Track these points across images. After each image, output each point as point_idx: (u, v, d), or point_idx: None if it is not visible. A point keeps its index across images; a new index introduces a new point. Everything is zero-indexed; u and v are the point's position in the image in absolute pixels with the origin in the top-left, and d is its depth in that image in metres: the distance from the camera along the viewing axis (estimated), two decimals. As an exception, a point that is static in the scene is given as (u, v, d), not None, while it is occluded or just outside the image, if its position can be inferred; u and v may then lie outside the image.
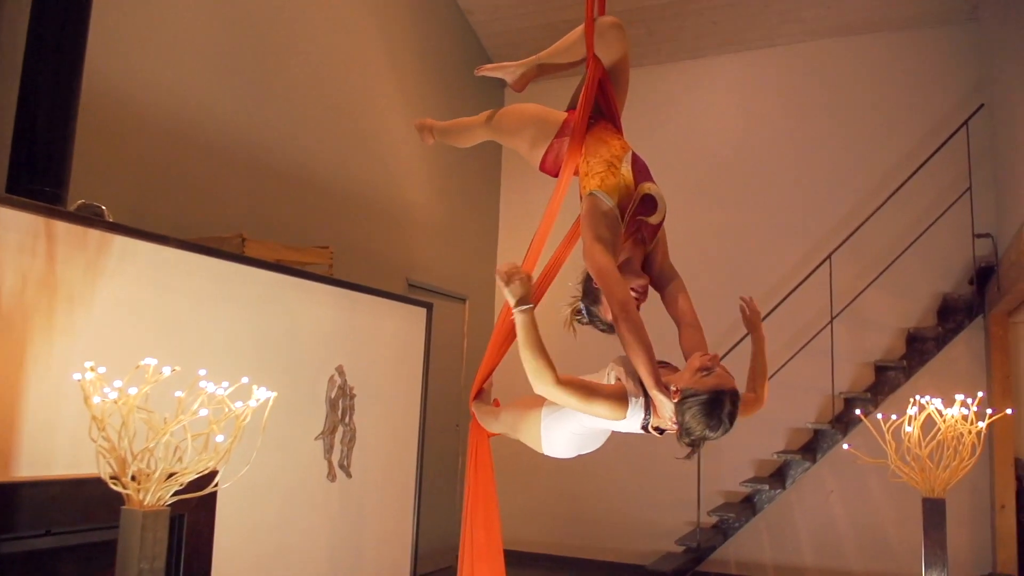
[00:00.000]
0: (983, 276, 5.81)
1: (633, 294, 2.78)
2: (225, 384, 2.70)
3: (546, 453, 2.82)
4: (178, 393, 2.61)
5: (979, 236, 5.77)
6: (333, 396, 4.24)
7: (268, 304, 3.94)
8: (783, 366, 6.29)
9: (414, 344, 5.03)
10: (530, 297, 2.42)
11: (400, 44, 6.46)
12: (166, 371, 2.50)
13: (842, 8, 6.63)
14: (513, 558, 6.58)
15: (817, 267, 6.25)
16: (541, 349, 2.40)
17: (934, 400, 3.92)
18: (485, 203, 7.79)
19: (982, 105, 5.85)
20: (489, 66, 3.66)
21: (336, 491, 4.28)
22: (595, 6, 3.50)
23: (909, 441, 3.78)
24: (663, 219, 2.91)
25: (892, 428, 3.92)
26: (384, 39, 6.27)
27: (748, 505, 6.40)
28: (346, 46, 5.83)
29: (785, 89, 6.99)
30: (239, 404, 2.72)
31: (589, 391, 2.45)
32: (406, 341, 4.97)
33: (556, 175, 3.18)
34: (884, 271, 6.14)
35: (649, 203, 2.89)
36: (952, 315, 6.10)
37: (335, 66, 5.68)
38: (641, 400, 2.51)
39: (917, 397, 4.00)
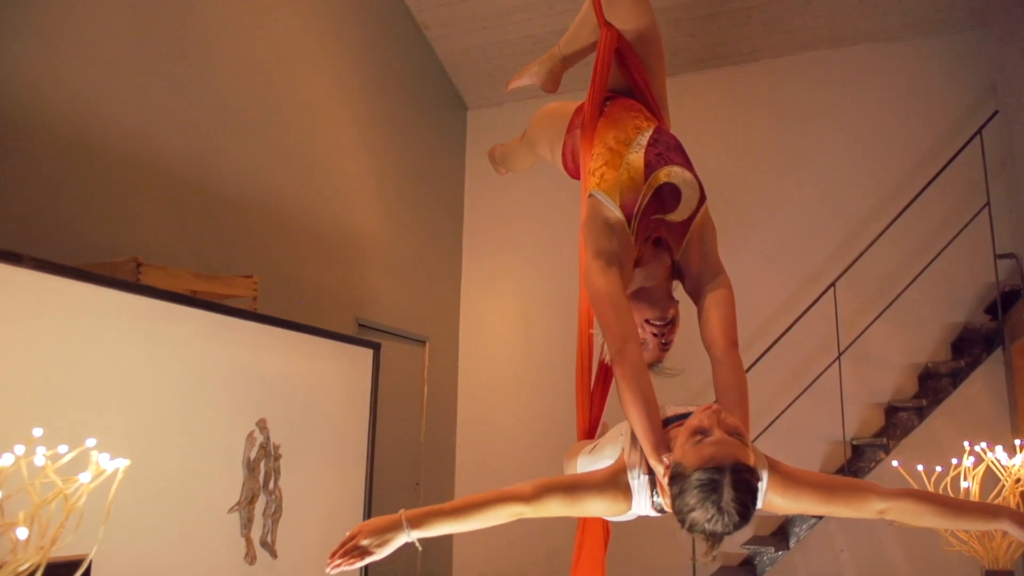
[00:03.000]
0: (1007, 301, 5.16)
1: (651, 330, 2.09)
2: (63, 448, 1.91)
3: None
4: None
5: (1001, 257, 5.12)
6: (253, 457, 3.43)
7: (167, 344, 3.15)
8: (784, 411, 5.57)
9: (358, 391, 4.24)
10: (405, 523, 1.74)
11: (350, 59, 5.76)
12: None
13: (830, 18, 6.06)
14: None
15: (820, 296, 5.56)
16: (483, 504, 1.78)
17: (986, 447, 3.23)
18: (446, 234, 7.05)
19: (996, 112, 5.26)
20: (514, 78, 3.03)
21: (258, 576, 3.45)
22: None
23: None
24: (695, 213, 2.17)
25: (940, 482, 3.21)
26: (332, 54, 5.55)
27: (748, 569, 5.62)
28: (290, 58, 5.10)
29: (772, 105, 6.38)
30: (86, 476, 1.93)
31: (572, 493, 1.80)
32: (349, 388, 4.19)
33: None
34: (895, 300, 5.47)
35: (672, 195, 2.17)
36: (968, 348, 5.44)
37: (276, 78, 4.94)
38: (645, 475, 1.79)
39: (967, 444, 3.30)
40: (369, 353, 4.34)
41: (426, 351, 6.45)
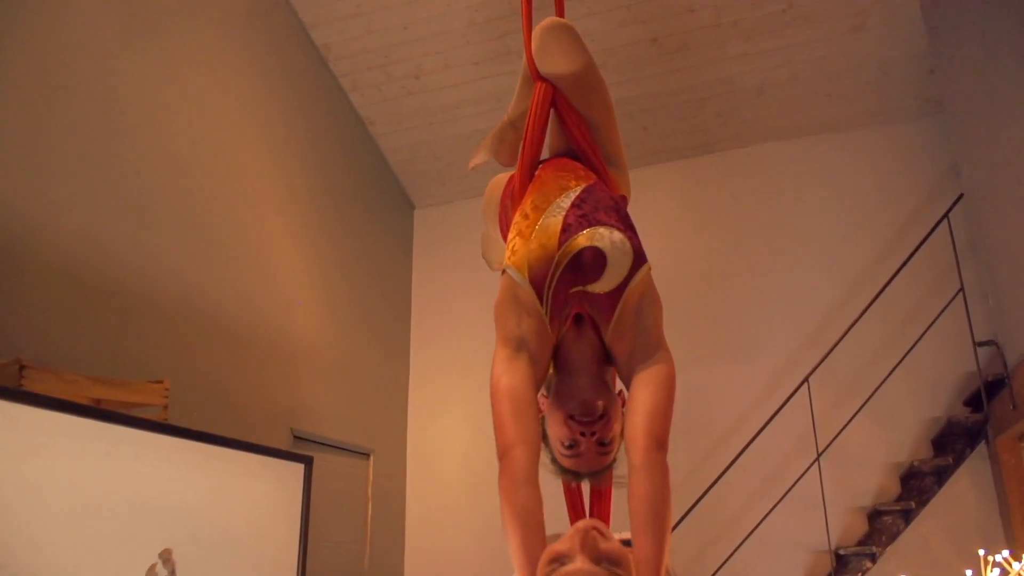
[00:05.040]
0: (990, 392, 4.86)
1: (578, 428, 1.68)
2: None
3: None
4: None
5: (981, 344, 4.85)
6: (154, 597, 2.88)
7: (51, 461, 2.65)
8: (764, 519, 5.12)
9: (288, 512, 3.71)
10: None
11: (290, 155, 5.41)
12: None
13: (783, 109, 5.97)
14: None
15: (793, 393, 5.20)
16: None
17: (1009, 556, 2.84)
18: (393, 338, 6.61)
19: (961, 195, 5.10)
20: (473, 157, 2.83)
21: None
22: (531, 11, 2.60)
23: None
24: (624, 282, 1.78)
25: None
26: (271, 148, 5.19)
27: None
28: (224, 150, 4.71)
29: (730, 197, 6.18)
30: None
31: None
32: (277, 509, 3.66)
33: None
34: (872, 395, 5.13)
35: (597, 263, 1.79)
36: (951, 443, 5.10)
37: (207, 169, 4.55)
38: None
39: (983, 553, 2.90)
40: (300, 468, 3.82)
41: (370, 465, 5.90)
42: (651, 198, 6.34)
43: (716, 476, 5.23)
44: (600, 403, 1.72)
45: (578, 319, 1.83)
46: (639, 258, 1.81)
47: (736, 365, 5.79)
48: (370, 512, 5.80)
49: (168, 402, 3.32)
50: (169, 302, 4.13)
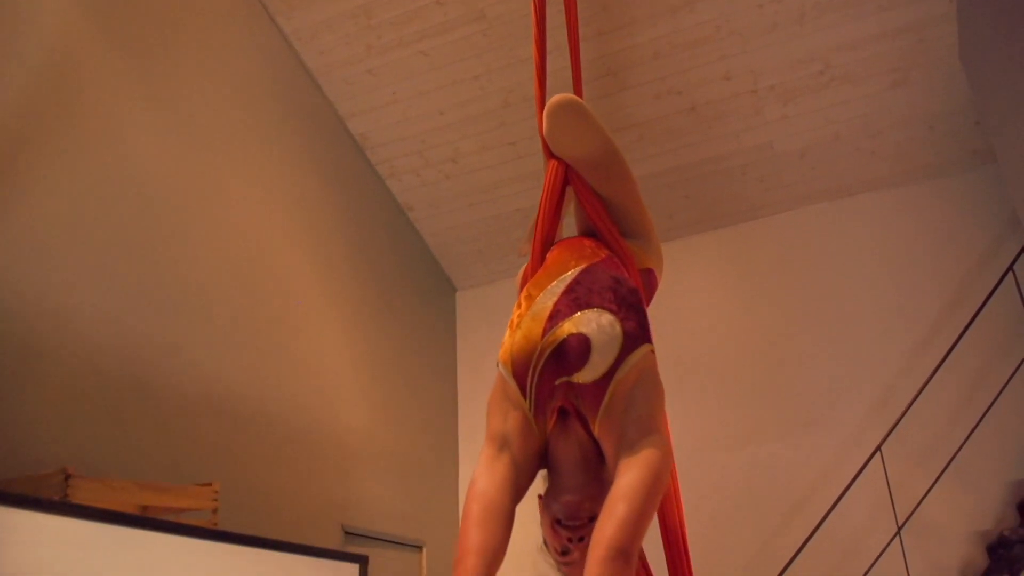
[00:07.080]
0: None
1: (564, 534, 1.56)
2: None
3: None
4: None
5: (1067, 400, 4.59)
6: None
7: (100, 573, 2.53)
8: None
9: (344, 616, 3.54)
10: None
11: (330, 243, 5.40)
12: None
13: (827, 170, 5.84)
14: None
15: (865, 464, 4.92)
16: None
17: None
18: (440, 424, 6.46)
19: (1024, 247, 4.91)
20: (521, 249, 2.72)
21: None
22: (544, 91, 2.52)
23: None
24: (611, 368, 1.62)
25: None
26: (312, 242, 5.19)
27: None
28: (264, 251, 4.70)
29: (780, 262, 6.00)
30: None
31: None
32: (332, 613, 3.49)
33: None
34: (951, 461, 4.84)
35: (580, 349, 1.64)
36: (1039, 510, 4.79)
37: (247, 270, 4.53)
38: None
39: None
40: (355, 569, 3.66)
41: (423, 558, 5.69)
42: (697, 268, 6.21)
43: (789, 555, 4.93)
44: (586, 505, 1.59)
45: (563, 413, 1.68)
46: (632, 341, 1.66)
47: (801, 436, 5.52)
48: (426, 608, 5.57)
49: (218, 505, 3.20)
50: (213, 400, 4.05)
